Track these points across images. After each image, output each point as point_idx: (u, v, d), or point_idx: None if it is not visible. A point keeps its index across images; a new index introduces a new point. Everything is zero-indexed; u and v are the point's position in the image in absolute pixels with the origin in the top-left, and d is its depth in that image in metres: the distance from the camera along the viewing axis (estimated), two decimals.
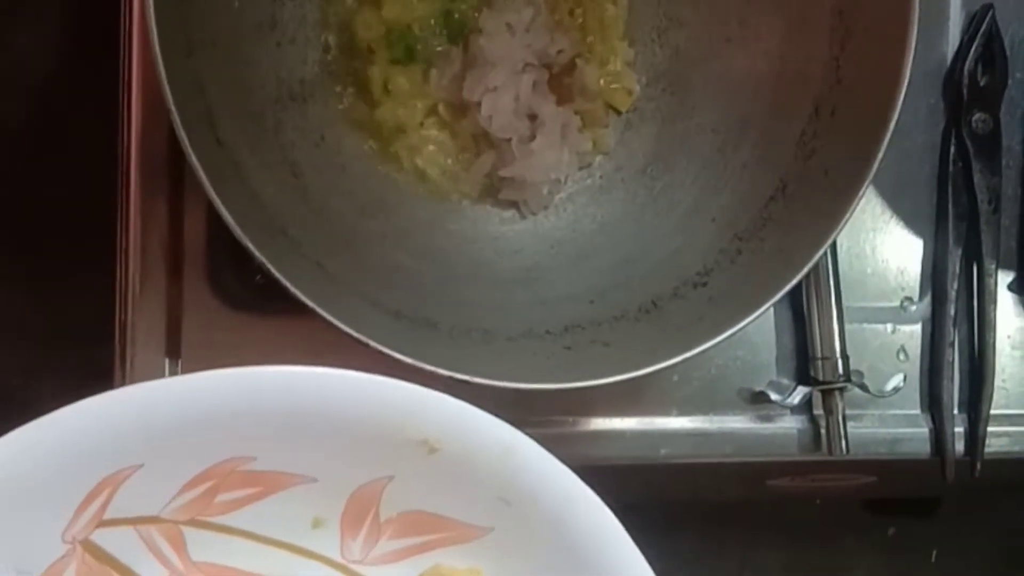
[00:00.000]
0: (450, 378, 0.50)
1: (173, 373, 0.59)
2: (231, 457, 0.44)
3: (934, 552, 0.95)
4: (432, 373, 0.50)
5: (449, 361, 0.50)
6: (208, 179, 0.47)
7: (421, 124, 0.60)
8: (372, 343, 0.49)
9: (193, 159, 0.46)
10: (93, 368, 0.68)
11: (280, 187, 0.55)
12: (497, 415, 0.59)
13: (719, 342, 0.52)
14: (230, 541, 0.45)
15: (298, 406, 0.43)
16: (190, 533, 0.45)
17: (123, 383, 0.59)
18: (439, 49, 0.60)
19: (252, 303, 0.59)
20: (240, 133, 0.52)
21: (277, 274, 0.47)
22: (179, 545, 0.45)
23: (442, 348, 0.53)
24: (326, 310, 0.48)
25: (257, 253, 0.47)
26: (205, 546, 0.45)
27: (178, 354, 0.59)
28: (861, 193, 0.53)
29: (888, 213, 0.67)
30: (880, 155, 0.53)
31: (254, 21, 0.56)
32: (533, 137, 0.60)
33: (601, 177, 0.63)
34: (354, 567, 0.46)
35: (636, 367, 0.51)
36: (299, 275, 0.49)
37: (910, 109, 0.64)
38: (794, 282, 0.53)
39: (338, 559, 0.46)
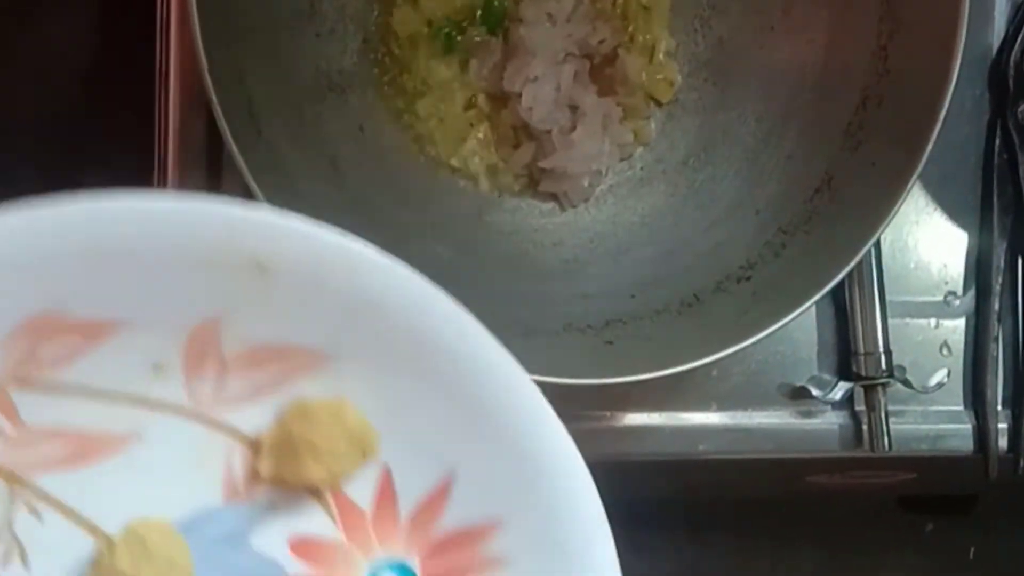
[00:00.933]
0: None
1: None
2: (44, 309, 0.39)
3: (971, 550, 0.94)
4: None
5: None
6: (249, 171, 0.46)
7: (461, 116, 0.59)
8: None
9: (234, 150, 0.46)
10: None
11: (319, 178, 0.54)
12: None
13: (763, 338, 0.51)
14: (65, 399, 0.40)
15: (109, 243, 0.38)
16: (19, 396, 0.40)
17: None
18: (478, 40, 0.60)
19: None
20: (280, 124, 0.52)
21: None
22: (8, 409, 0.40)
23: None
24: None
25: None
26: (38, 407, 0.40)
27: None
28: (909, 186, 0.52)
29: (932, 206, 0.66)
30: (929, 148, 0.52)
31: (293, 10, 0.56)
32: (574, 128, 0.60)
33: (642, 169, 0.62)
34: (207, 411, 0.42)
35: (679, 362, 0.51)
36: None
37: (955, 100, 0.62)
38: (840, 277, 0.52)
39: (187, 404, 0.41)
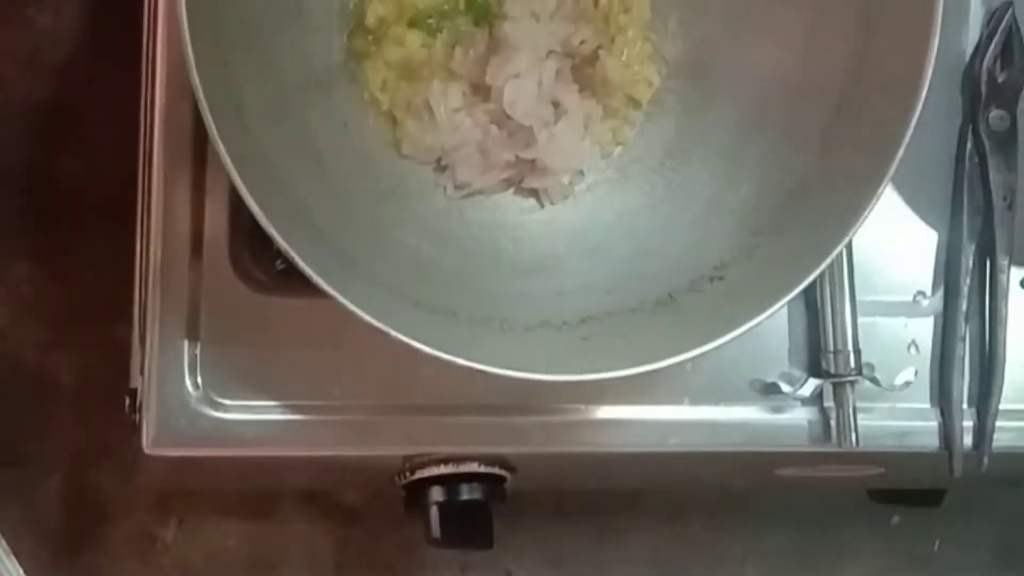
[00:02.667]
0: (469, 368, 0.50)
1: (192, 355, 0.59)
2: None
3: (936, 542, 0.96)
4: (451, 363, 0.50)
5: (468, 351, 0.50)
6: (234, 165, 0.47)
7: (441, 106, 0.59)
8: (393, 332, 0.49)
9: (219, 145, 0.47)
10: (110, 345, 0.69)
11: (304, 173, 0.55)
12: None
13: (735, 337, 0.52)
14: None
15: None
16: None
17: (142, 363, 0.59)
18: (464, 30, 0.60)
19: (272, 287, 0.60)
20: (266, 119, 0.52)
21: (301, 263, 0.47)
22: None
23: (461, 337, 0.53)
24: (348, 298, 0.48)
25: (282, 241, 0.47)
26: None
27: (197, 336, 0.59)
28: (881, 190, 0.53)
29: (903, 208, 0.66)
30: (900, 153, 0.53)
31: (280, 6, 0.56)
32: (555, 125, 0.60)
33: (620, 168, 0.63)
34: None
35: (653, 360, 0.51)
36: (321, 261, 0.49)
37: (928, 104, 0.63)
38: (811, 278, 0.53)
39: None
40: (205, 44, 0.48)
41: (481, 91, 0.60)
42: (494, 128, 0.60)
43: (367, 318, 0.49)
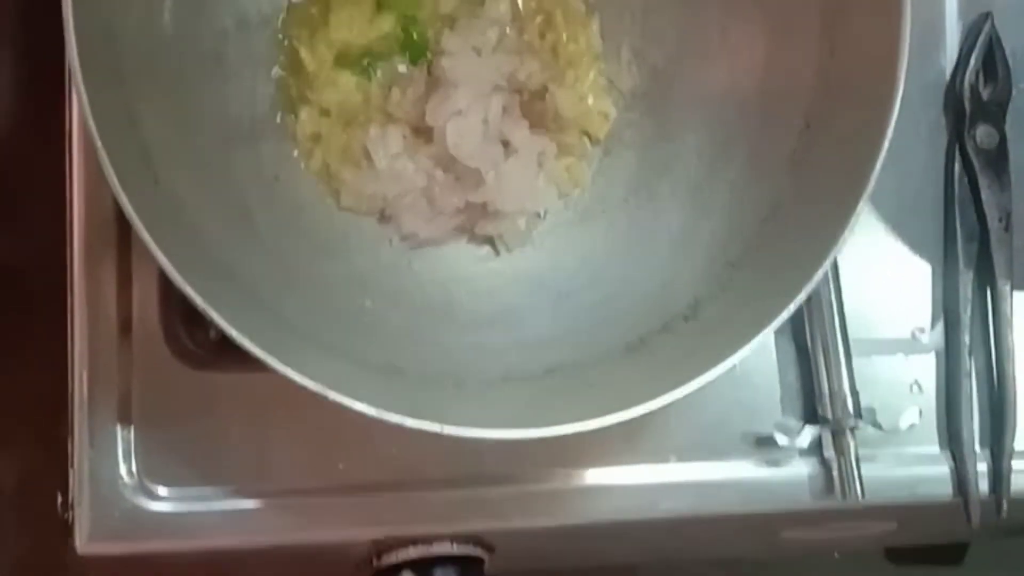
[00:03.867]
0: (418, 429, 0.46)
1: (126, 441, 0.56)
2: None
3: None
4: (399, 425, 0.45)
5: (418, 410, 0.46)
6: (140, 218, 0.43)
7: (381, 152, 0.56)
8: (331, 394, 0.45)
9: (123, 199, 0.43)
10: (52, 444, 0.65)
11: (231, 229, 0.51)
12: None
13: (714, 378, 0.48)
14: None
15: None
16: None
17: (71, 454, 0.56)
18: (402, 70, 0.57)
19: (210, 360, 0.56)
20: (183, 172, 0.49)
21: (221, 320, 0.44)
22: None
23: (410, 397, 0.49)
24: (279, 359, 0.44)
25: (197, 297, 0.44)
26: None
27: (130, 420, 0.56)
28: (859, 209, 0.50)
29: (893, 238, 0.64)
30: (877, 166, 0.50)
31: (196, 55, 0.53)
32: None
33: (581, 209, 0.60)
34: None
35: (623, 409, 0.48)
36: (250, 323, 0.45)
37: (910, 127, 0.64)
38: (791, 308, 0.49)
39: None
40: (106, 87, 0.45)
41: (423, 133, 0.57)
42: (439, 172, 0.57)
43: (301, 380, 0.45)
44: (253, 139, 0.55)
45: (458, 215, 0.57)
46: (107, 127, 0.44)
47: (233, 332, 0.44)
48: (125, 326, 0.56)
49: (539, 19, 0.58)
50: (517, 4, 0.59)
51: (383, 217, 0.57)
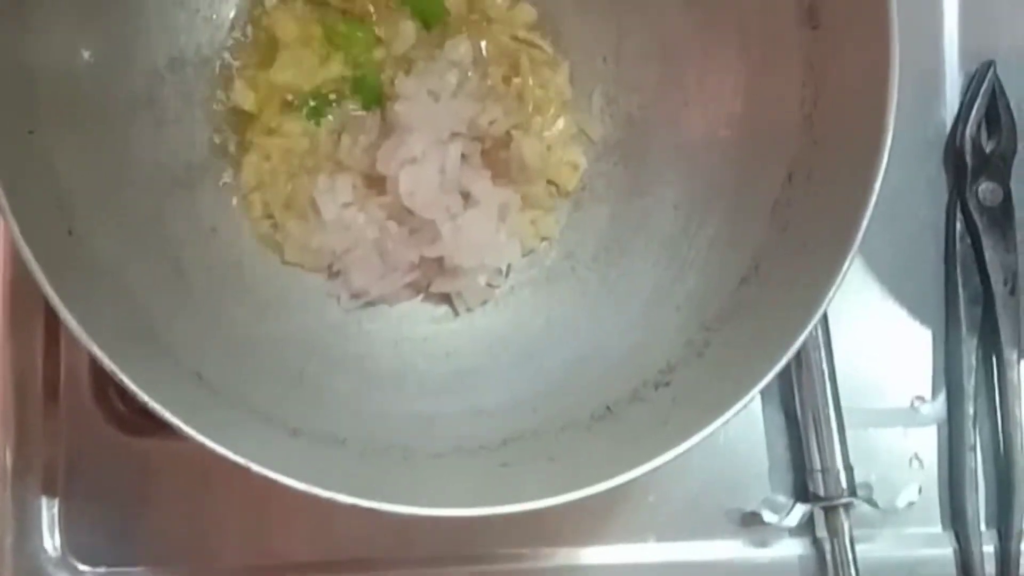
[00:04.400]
0: (354, 506, 0.42)
1: (51, 514, 0.53)
2: None
3: None
4: (331, 501, 0.41)
5: (357, 485, 0.43)
6: (44, 273, 0.40)
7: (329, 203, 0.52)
8: (253, 466, 0.41)
9: (23, 247, 0.40)
10: None
11: (157, 286, 0.48)
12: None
13: (686, 449, 0.45)
14: None
15: None
16: None
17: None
18: (355, 113, 0.54)
19: (144, 426, 0.54)
20: (104, 223, 0.46)
21: (128, 381, 0.41)
22: None
23: (349, 470, 0.46)
24: (193, 426, 0.41)
25: (102, 355, 0.41)
26: None
27: (56, 491, 0.53)
28: (846, 267, 0.46)
29: (890, 300, 0.61)
30: (865, 221, 0.47)
31: (125, 97, 0.50)
32: None
33: (547, 265, 0.57)
34: None
35: (586, 484, 0.44)
36: (167, 386, 0.43)
37: (908, 182, 0.61)
38: (771, 375, 0.46)
39: None
40: (13, 129, 0.42)
41: (375, 183, 0.54)
42: (392, 224, 0.54)
43: (219, 449, 0.41)
44: (189, 187, 0.52)
45: (412, 271, 0.54)
46: (12, 171, 0.40)
47: (142, 394, 0.41)
48: (52, 388, 0.53)
49: (504, 64, 0.55)
50: (480, 47, 0.56)
51: (331, 273, 0.54)
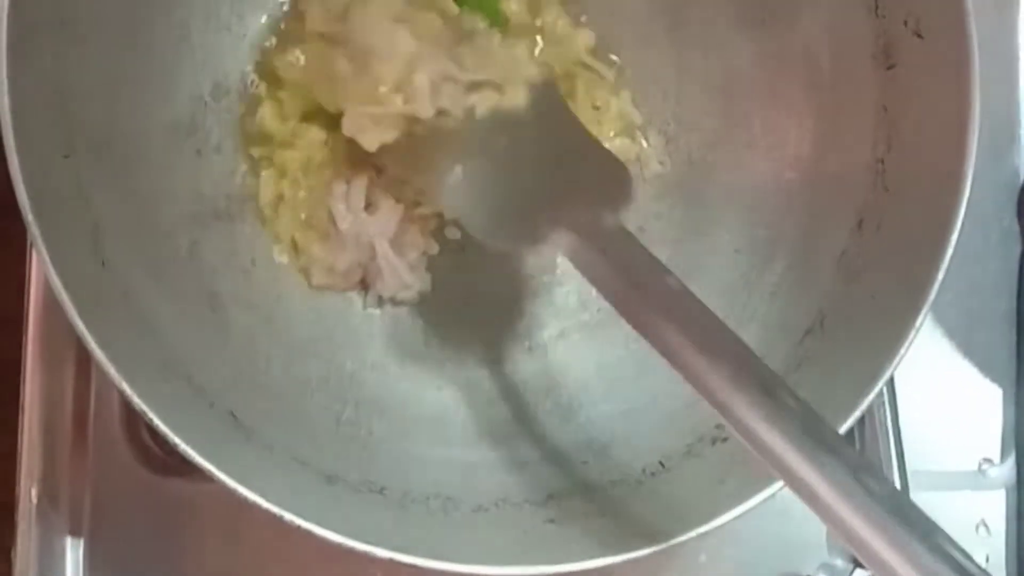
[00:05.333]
0: (391, 560, 0.40)
1: (75, 558, 0.52)
2: None
3: None
4: (368, 554, 0.40)
5: (396, 538, 0.42)
6: (75, 306, 0.39)
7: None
8: (287, 515, 0.40)
9: (54, 278, 0.39)
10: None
11: (192, 322, 0.46)
12: None
13: (745, 512, 0.43)
14: None
15: None
16: None
17: (19, 570, 0.51)
18: None
19: (176, 466, 0.52)
20: (139, 254, 0.44)
21: (159, 421, 0.39)
22: None
23: (388, 521, 0.44)
24: (225, 470, 0.39)
25: (132, 393, 0.39)
26: None
27: (81, 532, 0.52)
28: (918, 324, 0.45)
29: (958, 356, 0.60)
30: (940, 275, 0.45)
31: (167, 122, 0.48)
32: None
33: (599, 311, 0.54)
34: None
35: (637, 546, 0.43)
36: (200, 427, 0.41)
37: (979, 233, 0.60)
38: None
39: None
40: (48, 155, 0.40)
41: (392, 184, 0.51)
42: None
43: (251, 496, 0.39)
44: (229, 218, 0.50)
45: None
46: (45, 200, 0.39)
47: (172, 435, 0.39)
48: (81, 424, 0.52)
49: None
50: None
51: (363, 285, 0.52)
